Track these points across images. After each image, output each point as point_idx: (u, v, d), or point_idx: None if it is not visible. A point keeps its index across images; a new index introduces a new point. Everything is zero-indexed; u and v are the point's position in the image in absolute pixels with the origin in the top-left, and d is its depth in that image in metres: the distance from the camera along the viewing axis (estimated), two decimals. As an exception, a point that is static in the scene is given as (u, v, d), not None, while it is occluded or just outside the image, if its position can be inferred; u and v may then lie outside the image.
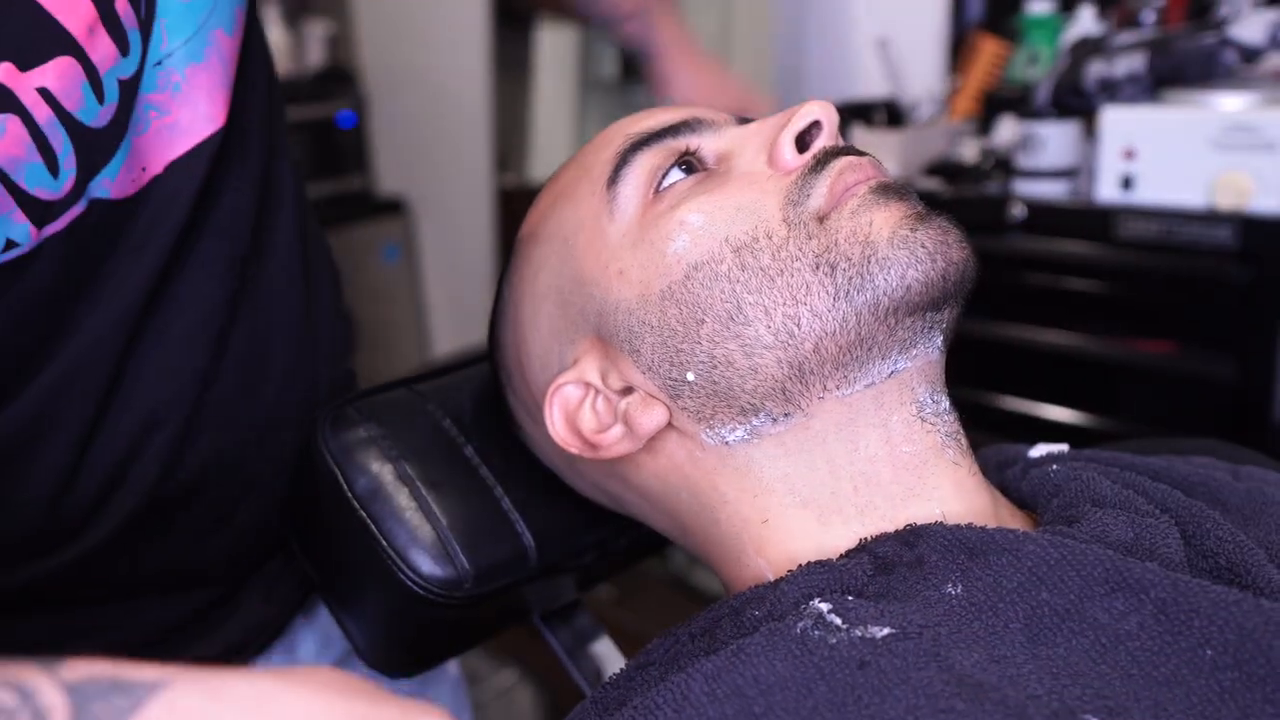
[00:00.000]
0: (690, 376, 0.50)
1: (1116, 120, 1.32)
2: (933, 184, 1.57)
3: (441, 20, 2.85)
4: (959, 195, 1.51)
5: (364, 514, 0.57)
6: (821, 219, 0.49)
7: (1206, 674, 0.39)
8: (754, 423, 0.50)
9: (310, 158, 2.96)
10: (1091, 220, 1.35)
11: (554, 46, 2.94)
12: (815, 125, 0.52)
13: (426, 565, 0.56)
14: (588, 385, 0.53)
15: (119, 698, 0.31)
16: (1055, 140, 1.41)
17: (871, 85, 1.91)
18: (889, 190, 0.50)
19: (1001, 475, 0.58)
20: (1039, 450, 0.61)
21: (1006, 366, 1.50)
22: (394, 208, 3.09)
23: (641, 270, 0.51)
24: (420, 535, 0.57)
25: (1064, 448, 0.62)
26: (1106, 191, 1.35)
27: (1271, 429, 1.23)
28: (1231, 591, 0.41)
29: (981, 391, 1.51)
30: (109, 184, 0.53)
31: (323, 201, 2.99)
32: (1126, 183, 1.32)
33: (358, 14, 3.08)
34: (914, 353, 0.49)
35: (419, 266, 3.14)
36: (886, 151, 1.61)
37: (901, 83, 1.79)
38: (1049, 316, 1.43)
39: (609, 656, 0.70)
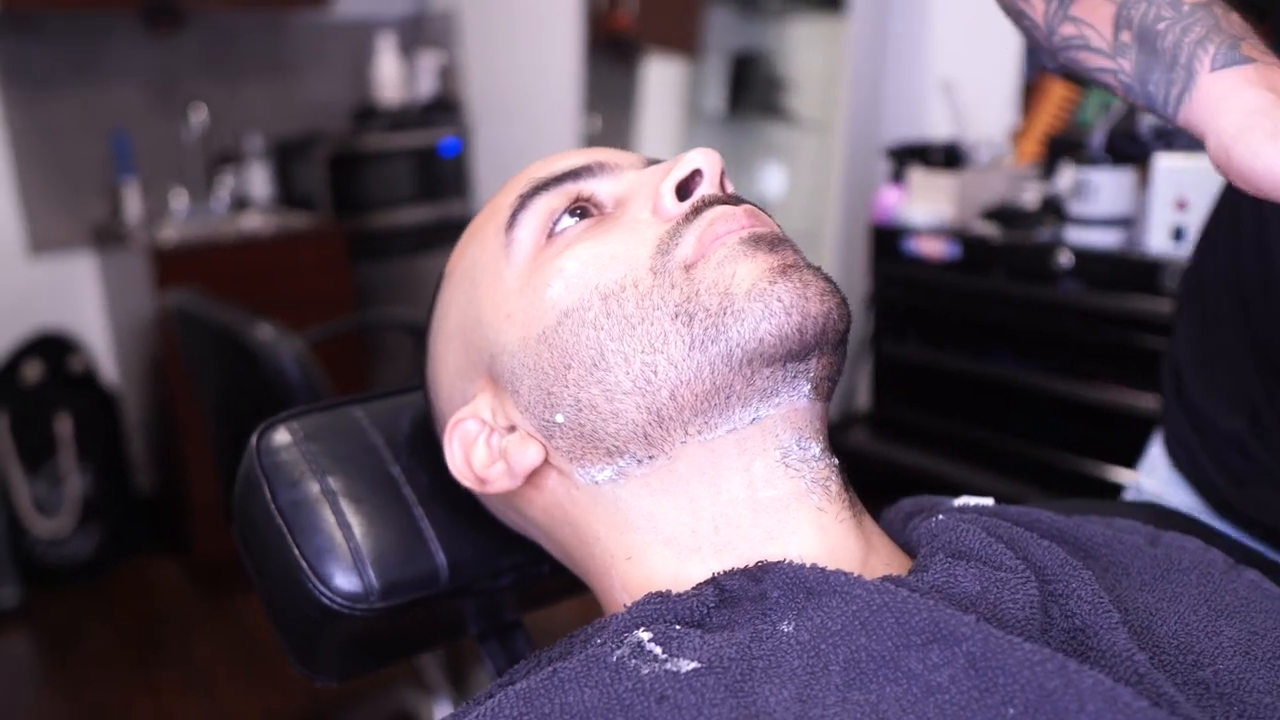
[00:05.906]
0: (559, 418, 0.52)
1: (1169, 169, 1.27)
2: (988, 229, 1.54)
3: (542, 53, 2.94)
4: (1009, 241, 1.48)
5: (282, 524, 0.60)
6: (688, 268, 0.50)
7: None
8: (620, 464, 0.51)
9: (414, 183, 3.08)
10: (1140, 271, 1.30)
11: (661, 79, 2.99)
12: (697, 174, 0.53)
13: (337, 577, 0.59)
14: (484, 422, 0.56)
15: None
16: (1108, 188, 1.36)
17: (942, 126, 1.89)
18: (759, 241, 0.50)
19: (907, 525, 0.58)
20: (960, 501, 0.60)
21: (1040, 416, 1.46)
22: (489, 233, 3.17)
23: (524, 314, 0.53)
24: (334, 548, 0.60)
25: (988, 501, 0.61)
26: (1157, 242, 1.30)
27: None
28: (1040, 650, 0.40)
29: (1013, 439, 1.47)
30: None
31: (424, 226, 3.11)
32: (1178, 234, 1.27)
33: (467, 46, 3.20)
34: (777, 401, 0.50)
35: (510, 291, 3.22)
36: (942, 193, 1.58)
37: (967, 125, 1.76)
38: (1090, 368, 1.38)
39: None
